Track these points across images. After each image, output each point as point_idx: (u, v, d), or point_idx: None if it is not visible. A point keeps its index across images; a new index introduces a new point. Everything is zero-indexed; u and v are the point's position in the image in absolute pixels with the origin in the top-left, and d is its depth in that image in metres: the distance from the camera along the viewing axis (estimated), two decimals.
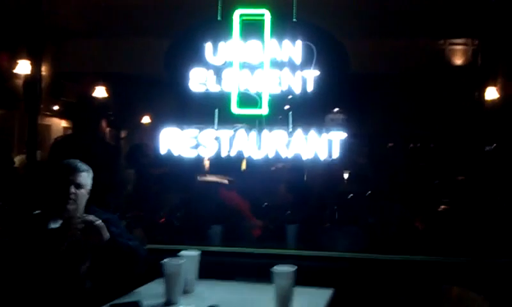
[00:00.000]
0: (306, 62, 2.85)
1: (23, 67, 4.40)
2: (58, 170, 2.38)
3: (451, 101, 4.63)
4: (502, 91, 4.26)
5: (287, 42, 2.84)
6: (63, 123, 6.36)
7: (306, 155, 2.79)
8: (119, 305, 2.14)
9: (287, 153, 2.81)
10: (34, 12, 3.51)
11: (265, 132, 2.82)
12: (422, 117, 5.02)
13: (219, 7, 2.98)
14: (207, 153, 2.88)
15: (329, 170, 4.01)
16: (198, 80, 2.87)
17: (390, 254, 3.14)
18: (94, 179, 2.45)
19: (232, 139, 2.83)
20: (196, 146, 2.86)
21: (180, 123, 2.91)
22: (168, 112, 4.70)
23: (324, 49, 2.90)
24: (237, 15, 2.87)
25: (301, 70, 2.84)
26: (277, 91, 2.85)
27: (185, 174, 3.83)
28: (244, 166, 3.87)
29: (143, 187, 4.20)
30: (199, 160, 3.45)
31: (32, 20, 3.52)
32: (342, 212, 3.89)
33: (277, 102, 2.90)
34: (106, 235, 2.24)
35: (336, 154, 2.79)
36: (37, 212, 2.43)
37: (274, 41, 2.85)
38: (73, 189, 2.32)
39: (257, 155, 2.82)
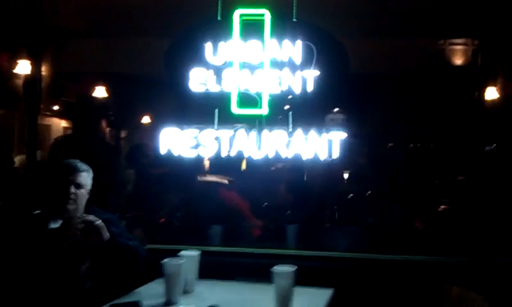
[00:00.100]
0: (306, 63, 2.84)
1: (23, 67, 4.40)
2: (58, 170, 2.38)
3: (451, 101, 4.63)
4: (502, 91, 4.26)
5: (287, 42, 2.84)
6: (63, 123, 6.37)
7: (306, 155, 2.79)
8: (119, 305, 2.14)
9: (287, 153, 2.80)
10: (34, 12, 3.51)
11: (265, 132, 2.82)
12: (421, 117, 5.02)
13: (219, 7, 2.97)
14: (207, 153, 2.87)
15: (329, 170, 4.01)
16: (198, 80, 2.87)
17: (390, 254, 3.14)
18: (94, 179, 2.45)
19: (231, 139, 2.83)
20: (196, 146, 2.85)
21: (180, 123, 2.91)
22: (168, 112, 4.70)
23: (324, 49, 2.89)
24: (237, 15, 2.87)
25: (301, 70, 2.84)
26: (277, 91, 2.84)
27: (185, 174, 3.83)
28: (244, 166, 3.87)
29: (143, 187, 4.20)
30: (199, 160, 3.45)
31: (32, 20, 3.52)
32: (342, 212, 3.89)
33: (277, 102, 2.89)
34: (106, 235, 2.24)
35: (336, 154, 2.79)
36: (37, 212, 2.43)
37: (274, 41, 2.84)
38: (73, 189, 2.32)
39: (257, 155, 2.82)
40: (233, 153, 2.82)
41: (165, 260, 2.22)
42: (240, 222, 3.70)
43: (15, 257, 2.28)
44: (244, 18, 2.88)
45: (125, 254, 2.30)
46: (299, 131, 2.81)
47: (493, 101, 4.11)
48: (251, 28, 2.89)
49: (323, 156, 2.78)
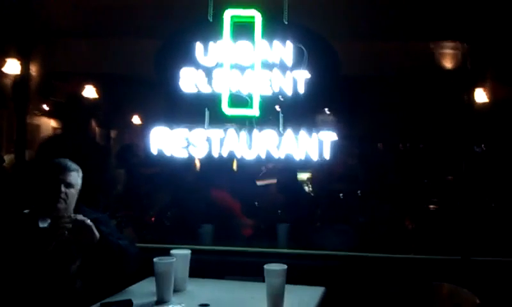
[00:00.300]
0: (297, 64, 2.86)
1: (12, 66, 4.36)
2: (48, 169, 2.37)
3: (440, 102, 4.67)
4: (491, 93, 4.31)
5: (277, 44, 2.84)
6: (53, 123, 6.32)
7: (297, 156, 2.80)
8: (110, 304, 2.13)
9: (278, 154, 2.81)
10: (24, 11, 3.49)
11: (255, 132, 2.82)
12: (411, 118, 5.05)
13: (209, 8, 2.97)
14: (197, 153, 2.87)
15: (320, 170, 4.03)
16: (189, 81, 2.86)
17: (380, 253, 3.16)
18: (83, 178, 2.44)
19: (222, 139, 2.82)
20: (187, 146, 2.85)
21: (171, 123, 2.90)
22: (158, 112, 4.69)
23: (315, 51, 2.90)
24: (227, 16, 2.86)
25: (292, 72, 2.85)
26: (268, 92, 2.84)
27: (175, 173, 3.82)
28: (235, 166, 3.87)
29: (134, 186, 4.19)
30: (189, 160, 3.44)
31: (21, 19, 3.49)
32: (332, 212, 3.91)
33: (268, 103, 2.89)
34: (96, 234, 2.23)
35: (327, 155, 2.80)
36: (26, 211, 2.41)
37: (265, 42, 2.84)
38: (63, 188, 2.31)
39: (248, 155, 2.82)
40: (224, 153, 2.82)
41: (156, 259, 2.23)
42: (232, 222, 3.70)
43: (4, 256, 2.26)
44: (235, 19, 2.88)
45: (115, 253, 2.29)
46: (289, 132, 2.81)
47: (482, 103, 4.15)
48: (242, 29, 2.88)
49: (314, 157, 2.80)
